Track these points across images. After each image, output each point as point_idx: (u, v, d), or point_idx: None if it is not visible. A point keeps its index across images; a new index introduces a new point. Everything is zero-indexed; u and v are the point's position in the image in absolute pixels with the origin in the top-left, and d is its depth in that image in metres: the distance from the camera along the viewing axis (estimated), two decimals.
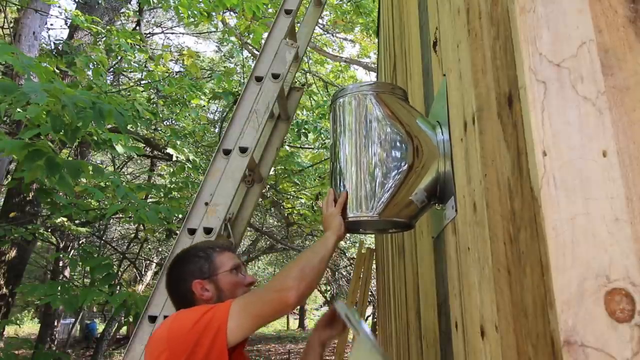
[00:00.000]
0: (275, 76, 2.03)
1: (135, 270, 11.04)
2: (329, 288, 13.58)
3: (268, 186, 6.50)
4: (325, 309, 14.70)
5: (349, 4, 8.05)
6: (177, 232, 2.06)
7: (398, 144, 0.98)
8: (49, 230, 5.82)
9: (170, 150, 5.03)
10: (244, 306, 1.09)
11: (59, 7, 6.08)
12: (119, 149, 3.40)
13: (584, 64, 0.50)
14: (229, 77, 5.77)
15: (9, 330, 10.84)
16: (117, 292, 3.03)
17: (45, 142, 2.56)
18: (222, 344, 1.05)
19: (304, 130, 5.85)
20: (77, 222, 5.35)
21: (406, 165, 0.96)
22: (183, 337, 1.06)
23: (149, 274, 11.77)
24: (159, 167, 9.20)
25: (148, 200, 5.07)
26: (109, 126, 4.08)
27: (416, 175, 0.96)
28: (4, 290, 5.24)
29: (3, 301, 5.20)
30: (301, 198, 7.37)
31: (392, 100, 1.04)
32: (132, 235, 8.22)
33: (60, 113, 2.43)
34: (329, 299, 13.25)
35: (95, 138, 3.34)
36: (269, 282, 1.14)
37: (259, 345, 14.08)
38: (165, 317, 1.69)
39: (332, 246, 1.09)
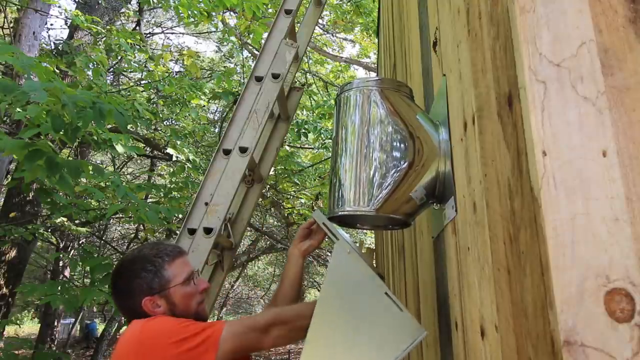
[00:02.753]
0: (275, 76, 2.03)
1: None
2: None
3: (268, 186, 6.50)
4: None
5: (349, 4, 8.05)
6: (177, 232, 2.06)
7: (399, 141, 0.98)
8: (49, 230, 5.82)
9: (170, 150, 5.02)
10: (238, 337, 1.12)
11: (59, 7, 6.08)
12: (119, 148, 3.39)
13: (583, 64, 0.50)
14: (229, 77, 5.76)
15: (9, 330, 10.84)
16: None
17: (45, 142, 2.55)
18: None
19: (304, 130, 5.85)
20: (77, 222, 5.35)
21: (406, 164, 0.96)
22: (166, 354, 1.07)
23: None
24: (159, 167, 9.19)
25: (148, 200, 5.07)
26: (109, 126, 4.08)
27: (416, 173, 0.96)
28: (4, 290, 5.23)
29: (3, 301, 5.20)
30: (301, 198, 7.36)
31: (396, 97, 1.04)
32: (132, 235, 8.21)
33: (60, 113, 2.42)
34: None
35: (95, 138, 3.34)
36: (268, 320, 1.18)
37: None
38: None
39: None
